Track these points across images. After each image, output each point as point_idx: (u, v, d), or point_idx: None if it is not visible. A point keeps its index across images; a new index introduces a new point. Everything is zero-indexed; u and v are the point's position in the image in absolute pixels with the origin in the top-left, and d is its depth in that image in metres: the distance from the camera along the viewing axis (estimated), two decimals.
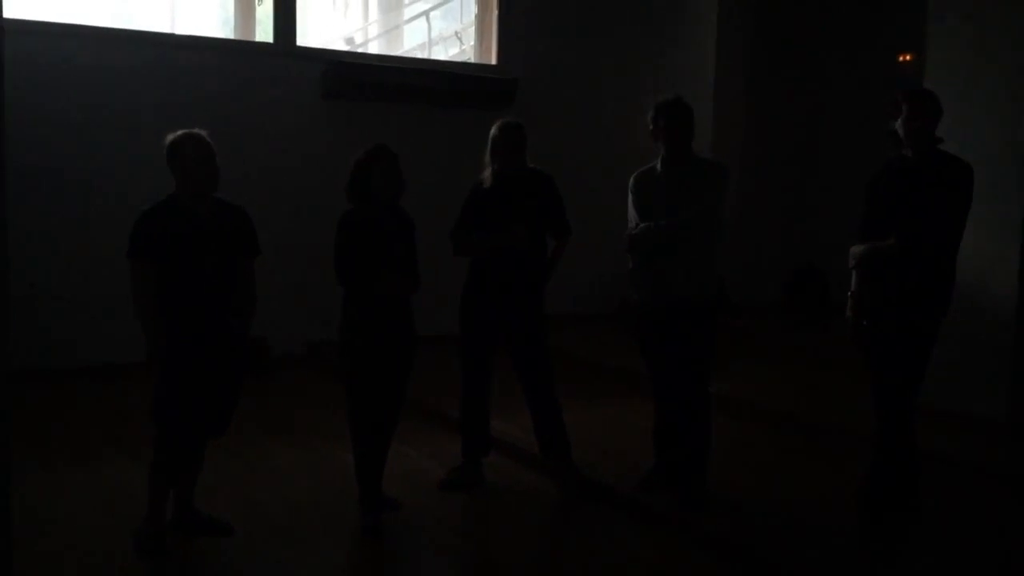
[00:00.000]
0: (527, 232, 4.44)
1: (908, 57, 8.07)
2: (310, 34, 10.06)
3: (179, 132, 3.72)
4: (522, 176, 4.53)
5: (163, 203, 3.72)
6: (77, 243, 6.58)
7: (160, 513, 3.78)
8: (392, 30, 11.66)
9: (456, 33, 10.52)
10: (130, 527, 3.80)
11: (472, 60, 8.78)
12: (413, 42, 11.11)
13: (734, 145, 8.47)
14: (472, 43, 8.94)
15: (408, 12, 11.73)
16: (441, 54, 10.47)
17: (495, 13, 8.28)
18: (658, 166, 4.32)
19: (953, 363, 4.98)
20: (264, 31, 7.84)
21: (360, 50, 11.12)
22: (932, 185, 3.78)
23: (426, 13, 10.92)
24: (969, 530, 4.13)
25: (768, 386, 6.36)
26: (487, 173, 4.54)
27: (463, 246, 4.61)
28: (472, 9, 9.02)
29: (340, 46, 10.91)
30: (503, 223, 4.45)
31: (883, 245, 3.85)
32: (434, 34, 10.74)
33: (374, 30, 11.98)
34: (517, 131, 4.50)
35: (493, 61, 8.31)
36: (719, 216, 4.22)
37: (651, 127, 4.25)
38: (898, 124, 3.85)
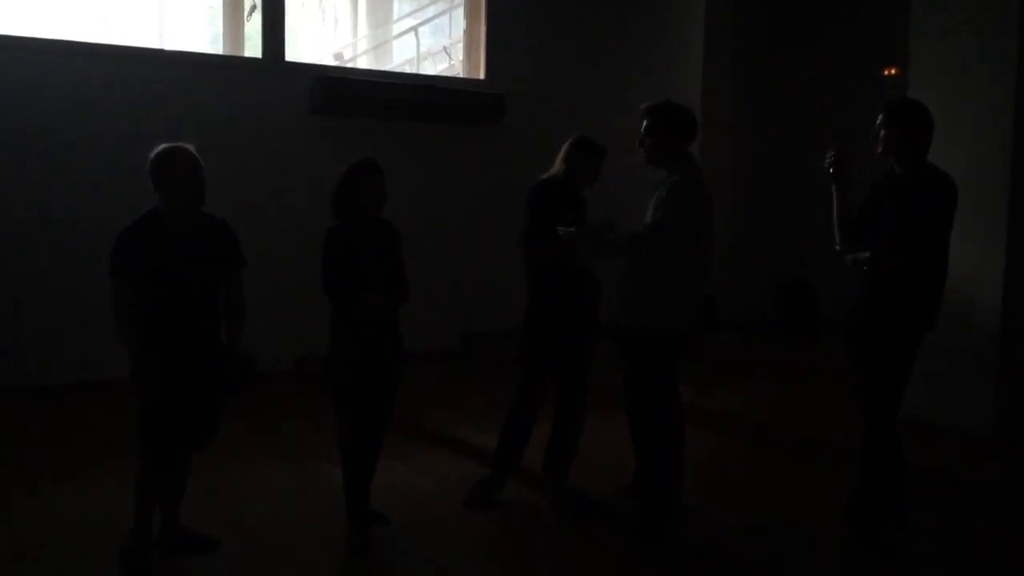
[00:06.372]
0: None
1: (894, 70, 8.11)
2: (299, 49, 10.09)
3: (166, 145, 3.66)
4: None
5: (144, 219, 3.65)
6: (63, 260, 6.54)
7: (146, 530, 3.75)
8: (381, 45, 11.69)
9: (445, 48, 10.57)
10: (116, 544, 3.76)
11: (461, 75, 8.80)
12: (402, 57, 11.13)
13: (723, 159, 8.50)
14: (461, 58, 8.96)
15: (397, 27, 11.77)
16: (430, 69, 10.49)
17: (483, 28, 8.31)
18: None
19: (939, 376, 5.01)
20: (253, 47, 7.85)
21: (349, 65, 11.15)
22: (913, 200, 3.78)
23: (415, 28, 10.96)
24: (955, 543, 4.14)
25: (756, 401, 6.35)
26: (560, 170, 4.42)
27: (541, 252, 4.37)
28: (461, 24, 9.04)
29: (329, 61, 10.94)
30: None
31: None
32: (423, 49, 10.77)
33: (363, 45, 12.01)
34: (601, 154, 4.47)
35: (481, 76, 8.33)
36: (672, 239, 3.96)
37: None
38: (880, 138, 3.87)
